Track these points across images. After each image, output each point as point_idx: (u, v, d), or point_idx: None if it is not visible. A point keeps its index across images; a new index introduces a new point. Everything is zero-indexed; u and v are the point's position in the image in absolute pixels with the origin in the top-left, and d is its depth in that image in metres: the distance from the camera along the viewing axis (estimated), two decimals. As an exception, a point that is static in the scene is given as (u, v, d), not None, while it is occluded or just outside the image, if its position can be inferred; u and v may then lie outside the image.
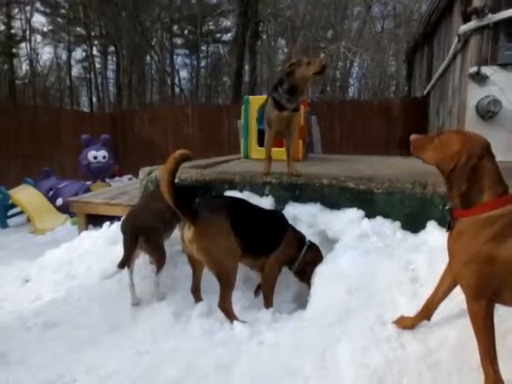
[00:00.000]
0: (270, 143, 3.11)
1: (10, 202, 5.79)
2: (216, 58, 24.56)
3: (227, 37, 23.65)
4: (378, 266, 2.20)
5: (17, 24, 21.24)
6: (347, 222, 2.62)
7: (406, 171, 3.34)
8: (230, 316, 2.09)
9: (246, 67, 17.69)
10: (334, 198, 2.81)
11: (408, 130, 8.97)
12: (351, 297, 2.05)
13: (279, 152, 3.56)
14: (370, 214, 2.70)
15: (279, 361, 1.76)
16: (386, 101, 10.60)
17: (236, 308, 2.17)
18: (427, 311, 1.75)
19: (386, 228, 2.60)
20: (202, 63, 24.22)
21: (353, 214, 2.69)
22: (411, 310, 1.85)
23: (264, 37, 20.21)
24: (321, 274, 2.25)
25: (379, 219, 2.66)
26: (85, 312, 2.34)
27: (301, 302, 2.40)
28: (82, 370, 1.85)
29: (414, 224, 2.60)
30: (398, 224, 2.64)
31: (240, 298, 2.33)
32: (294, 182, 2.91)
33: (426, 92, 8.79)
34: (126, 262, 2.27)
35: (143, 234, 2.31)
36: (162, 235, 2.44)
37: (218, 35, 24.33)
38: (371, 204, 2.73)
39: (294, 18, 18.58)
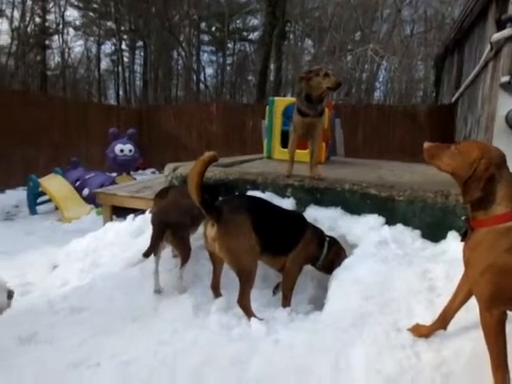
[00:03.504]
0: (294, 146, 3.15)
1: (40, 190, 6.03)
2: (242, 56, 24.66)
3: (254, 35, 23.79)
4: (396, 274, 2.21)
5: (51, 17, 21.95)
6: (367, 228, 2.64)
7: (428, 179, 3.32)
8: (248, 313, 2.15)
9: (272, 66, 17.73)
10: (355, 203, 2.83)
11: (434, 136, 8.86)
12: (367, 303, 2.08)
13: (302, 154, 3.60)
14: (390, 221, 2.71)
15: (293, 360, 1.80)
16: (412, 106, 10.46)
17: (253, 305, 2.22)
18: (443, 320, 1.76)
19: (406, 236, 2.61)
20: (228, 61, 24.38)
21: (373, 220, 2.71)
22: (427, 318, 1.86)
23: (291, 37, 20.20)
24: (338, 278, 2.28)
25: (399, 227, 2.67)
26: (109, 300, 2.44)
27: (317, 303, 2.44)
28: (105, 355, 1.94)
29: (434, 233, 2.60)
30: (418, 232, 2.65)
31: (258, 296, 2.39)
32: (316, 185, 2.94)
33: (454, 99, 8.64)
34: (151, 251, 2.35)
35: (171, 228, 2.40)
36: (188, 230, 2.53)
37: (245, 33, 24.46)
38: (392, 211, 2.74)
39: (321, 18, 18.48)
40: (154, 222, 2.47)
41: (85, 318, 2.30)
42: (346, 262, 2.42)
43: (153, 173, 10.51)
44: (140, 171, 10.29)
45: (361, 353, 1.77)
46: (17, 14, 19.35)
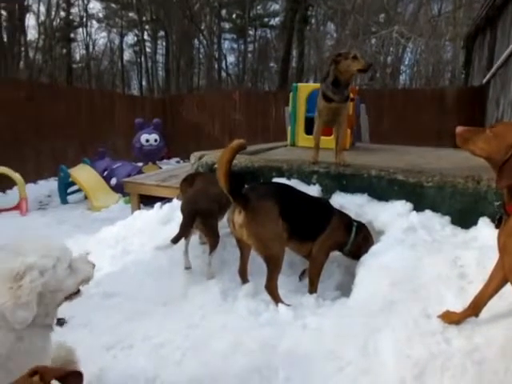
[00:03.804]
0: (319, 132, 3.13)
1: (70, 180, 6.22)
2: (263, 42, 24.38)
3: (275, 21, 23.40)
4: (425, 261, 2.18)
5: (74, 10, 22.34)
6: (395, 215, 2.61)
7: (458, 165, 3.23)
8: (276, 298, 2.18)
9: (294, 52, 17.47)
10: (382, 189, 2.79)
11: (463, 120, 8.53)
12: (395, 289, 2.06)
13: (327, 140, 3.56)
14: (418, 208, 2.66)
15: (321, 345, 1.82)
16: (439, 89, 10.10)
17: (281, 291, 2.25)
18: (475, 307, 1.73)
19: (435, 222, 2.56)
20: (250, 48, 24.16)
21: (401, 206, 2.67)
22: (458, 305, 1.83)
23: (313, 21, 19.76)
24: (366, 264, 2.27)
25: (428, 213, 2.62)
26: (140, 285, 2.52)
27: (343, 290, 2.44)
28: (138, 338, 2.02)
29: (464, 220, 2.54)
30: (447, 219, 2.59)
31: (285, 282, 2.41)
32: (342, 171, 2.92)
33: (485, 81, 8.30)
34: (179, 238, 2.42)
35: (201, 216, 2.46)
36: (217, 218, 2.57)
37: (266, 19, 24.09)
38: (420, 197, 2.69)
39: (344, 1, 17.94)
40: (184, 209, 2.53)
41: (118, 303, 2.39)
42: (374, 248, 2.41)
43: (177, 162, 10.64)
44: (165, 160, 10.43)
45: (390, 338, 1.77)
46: (43, 9, 19.81)
